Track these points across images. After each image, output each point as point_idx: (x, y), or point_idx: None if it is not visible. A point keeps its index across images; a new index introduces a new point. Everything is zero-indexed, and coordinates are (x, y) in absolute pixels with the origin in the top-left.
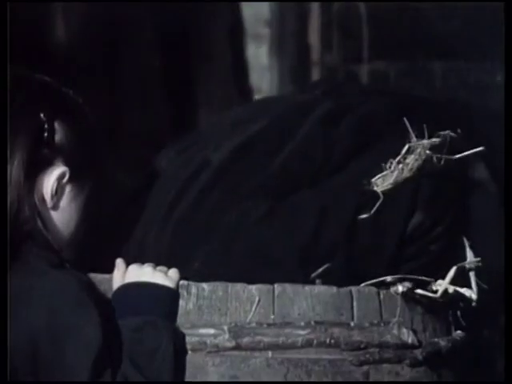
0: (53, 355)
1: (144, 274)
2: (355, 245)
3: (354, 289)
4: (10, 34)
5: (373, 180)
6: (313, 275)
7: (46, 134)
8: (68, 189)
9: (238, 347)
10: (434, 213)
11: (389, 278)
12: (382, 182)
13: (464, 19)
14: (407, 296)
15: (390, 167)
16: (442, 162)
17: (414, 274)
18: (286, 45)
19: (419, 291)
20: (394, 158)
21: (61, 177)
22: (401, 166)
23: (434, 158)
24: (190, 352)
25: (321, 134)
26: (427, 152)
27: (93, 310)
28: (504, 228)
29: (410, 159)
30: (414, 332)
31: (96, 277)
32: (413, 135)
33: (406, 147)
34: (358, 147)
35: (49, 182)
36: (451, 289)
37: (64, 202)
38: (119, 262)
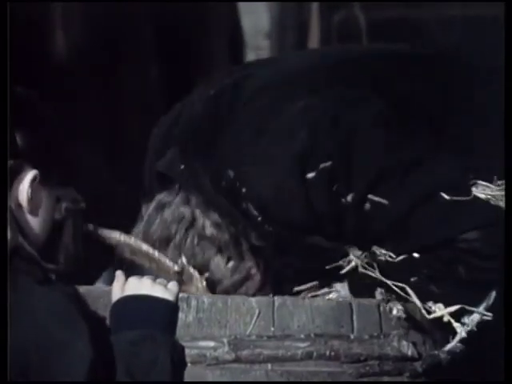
0: (45, 372)
1: (143, 286)
2: (416, 212)
3: (353, 301)
4: (10, 34)
5: (478, 181)
6: (367, 207)
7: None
8: (40, 191)
9: (237, 360)
10: (488, 250)
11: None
12: (482, 189)
13: (464, 30)
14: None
15: (497, 184)
16: None
17: (425, 273)
18: None
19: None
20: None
21: (33, 180)
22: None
23: None
24: (189, 365)
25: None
26: None
27: (82, 323)
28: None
29: None
30: (414, 344)
31: (96, 290)
32: None
33: None
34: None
35: (23, 187)
36: (446, 318)
37: (39, 205)
38: (119, 274)
